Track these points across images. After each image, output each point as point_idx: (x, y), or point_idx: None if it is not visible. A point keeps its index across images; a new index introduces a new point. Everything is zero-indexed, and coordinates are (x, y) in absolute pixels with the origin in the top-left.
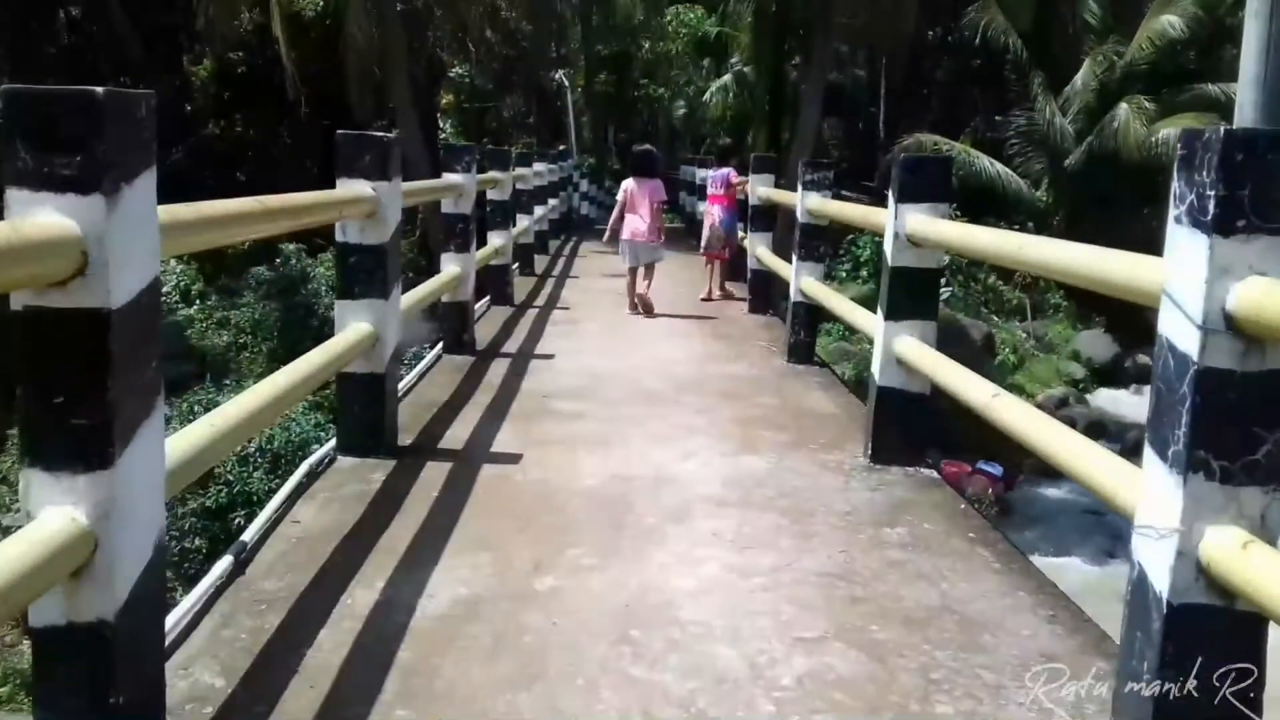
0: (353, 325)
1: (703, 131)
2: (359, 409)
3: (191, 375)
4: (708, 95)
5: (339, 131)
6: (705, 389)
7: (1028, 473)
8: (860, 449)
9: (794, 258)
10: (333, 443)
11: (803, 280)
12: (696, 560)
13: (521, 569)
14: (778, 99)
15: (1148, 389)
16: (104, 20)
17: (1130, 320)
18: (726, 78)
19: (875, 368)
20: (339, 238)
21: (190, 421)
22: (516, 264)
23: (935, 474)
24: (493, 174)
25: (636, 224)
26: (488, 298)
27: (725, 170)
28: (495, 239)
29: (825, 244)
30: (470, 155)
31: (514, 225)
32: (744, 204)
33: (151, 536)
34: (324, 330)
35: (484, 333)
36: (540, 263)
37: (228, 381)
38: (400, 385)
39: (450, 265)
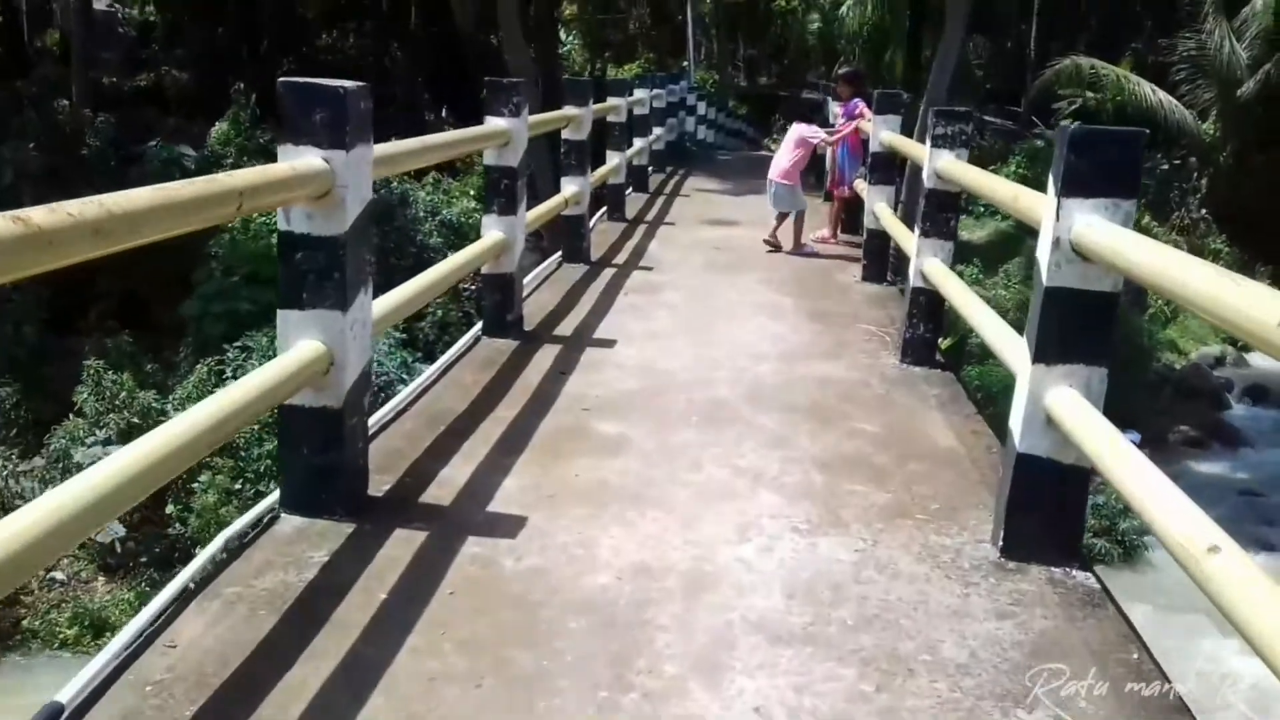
0: (299, 345)
1: (838, 48)
2: (308, 453)
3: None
4: (844, 9)
5: (280, 80)
6: (790, 401)
7: (1176, 442)
8: (988, 524)
9: (916, 231)
10: (276, 496)
11: (926, 262)
12: None
13: None
14: (920, 14)
15: None
16: None
17: None
18: None
19: (1015, 424)
20: (280, 224)
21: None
22: (603, 210)
23: (1093, 579)
24: (564, 111)
25: (774, 161)
26: (558, 255)
27: (855, 103)
28: (569, 185)
29: (956, 216)
30: (516, 94)
31: (587, 171)
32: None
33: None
34: (423, 258)
35: (540, 304)
36: (634, 204)
37: None
38: (404, 394)
39: (492, 230)
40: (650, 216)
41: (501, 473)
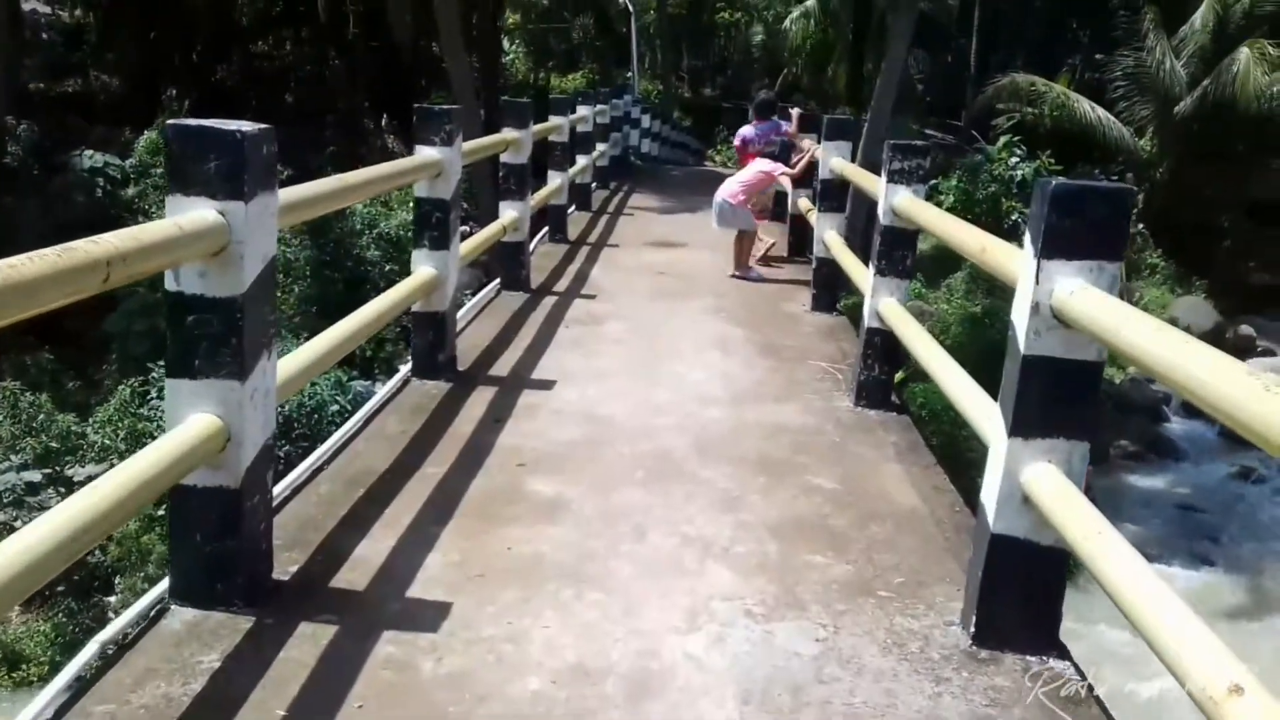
0: (191, 419)
1: (780, 61)
2: (202, 539)
3: None
4: (787, 22)
5: (168, 124)
6: (741, 453)
7: (1115, 456)
8: (956, 600)
9: (871, 268)
10: (165, 585)
11: (882, 302)
12: None
13: None
14: (863, 29)
15: (1251, 361)
16: None
17: (1234, 285)
18: (809, 2)
19: (988, 501)
20: (168, 284)
21: None
22: (544, 231)
23: (1072, 668)
24: (501, 135)
25: (726, 183)
26: (496, 283)
27: (769, 125)
28: (508, 210)
29: (913, 254)
30: (448, 122)
31: (527, 195)
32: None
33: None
34: (360, 271)
35: (476, 339)
36: (577, 223)
37: None
38: (322, 451)
39: (423, 265)
40: (593, 237)
41: (425, 546)
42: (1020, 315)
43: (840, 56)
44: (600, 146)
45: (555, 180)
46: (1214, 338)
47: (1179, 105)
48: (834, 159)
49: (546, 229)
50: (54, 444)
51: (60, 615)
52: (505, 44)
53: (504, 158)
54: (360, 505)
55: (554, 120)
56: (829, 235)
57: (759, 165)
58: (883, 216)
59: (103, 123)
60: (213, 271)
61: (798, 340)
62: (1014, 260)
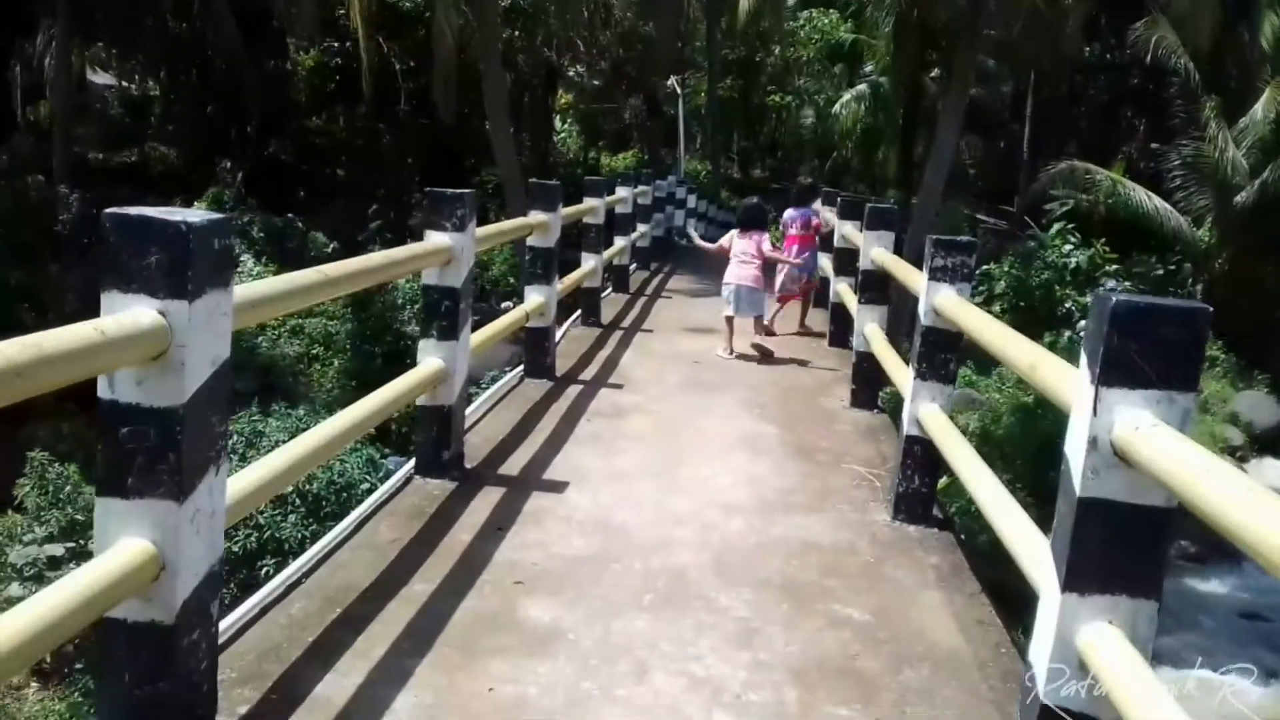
0: (120, 544)
1: (831, 144)
2: (130, 682)
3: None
4: (838, 106)
5: (106, 212)
6: (764, 574)
7: (1174, 557)
8: None
9: (911, 370)
10: None
11: (922, 408)
12: None
13: None
14: (913, 113)
15: None
16: (206, 8)
17: None
18: (860, 87)
19: (1038, 664)
20: (101, 390)
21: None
22: (577, 314)
23: None
24: (526, 219)
25: (740, 269)
26: (519, 370)
27: (806, 210)
28: (533, 295)
29: (956, 357)
30: (460, 206)
31: (554, 279)
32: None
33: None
34: (400, 346)
35: (490, 432)
36: (613, 305)
37: (276, 408)
38: (301, 562)
39: (430, 357)
40: (627, 321)
41: (396, 683)
42: (1075, 449)
43: (890, 140)
44: (641, 227)
45: (589, 263)
46: (1278, 433)
47: (1239, 195)
48: (875, 249)
49: (579, 312)
50: (79, 517)
51: (77, 694)
52: (557, 122)
53: (531, 241)
54: (333, 629)
55: (588, 202)
56: (870, 328)
57: (759, 243)
58: (924, 316)
59: (157, 193)
60: (151, 378)
61: (834, 441)
62: (1068, 383)
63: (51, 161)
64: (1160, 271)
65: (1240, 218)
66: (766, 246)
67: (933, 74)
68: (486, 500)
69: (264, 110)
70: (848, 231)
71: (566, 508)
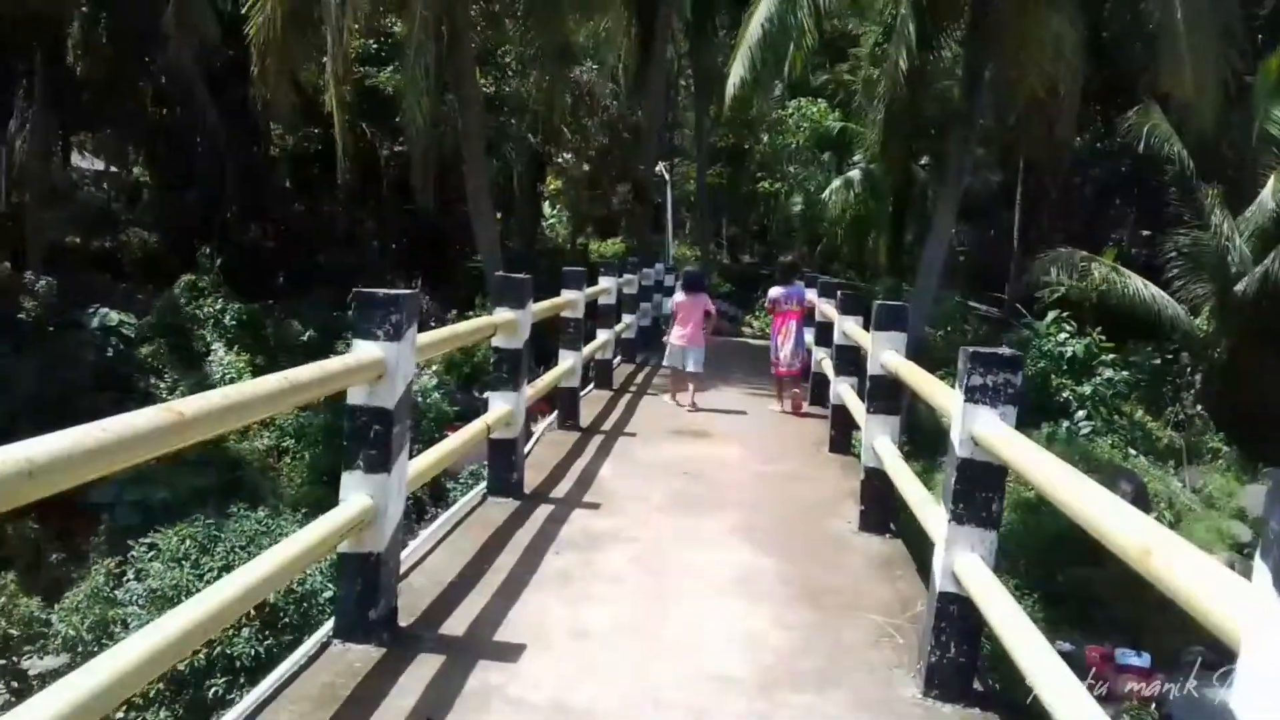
0: None
1: (820, 230)
2: None
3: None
4: (827, 193)
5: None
6: None
7: (1184, 660)
8: None
9: (944, 513)
10: None
11: (960, 559)
12: None
13: None
14: (903, 200)
15: None
16: (188, 96)
17: None
18: (850, 174)
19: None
20: None
21: None
22: (553, 416)
23: None
24: (490, 319)
25: (679, 330)
26: (481, 488)
27: (796, 288)
28: (497, 403)
29: (1001, 497)
30: (395, 311)
31: (522, 385)
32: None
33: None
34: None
35: (438, 570)
36: (594, 405)
37: (235, 509)
38: None
39: (355, 493)
40: (609, 423)
41: None
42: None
43: (880, 227)
44: (627, 318)
45: (567, 361)
46: None
47: (1240, 284)
48: (885, 353)
49: (555, 413)
50: (14, 630)
51: None
52: (546, 208)
53: (496, 341)
54: None
55: (566, 295)
56: (881, 443)
57: (705, 303)
58: (959, 446)
59: (134, 279)
60: None
61: (844, 577)
62: (1226, 602)
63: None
64: (1158, 360)
65: (1240, 307)
66: (711, 307)
67: (922, 162)
68: (419, 675)
69: (245, 196)
70: (850, 329)
71: (520, 685)
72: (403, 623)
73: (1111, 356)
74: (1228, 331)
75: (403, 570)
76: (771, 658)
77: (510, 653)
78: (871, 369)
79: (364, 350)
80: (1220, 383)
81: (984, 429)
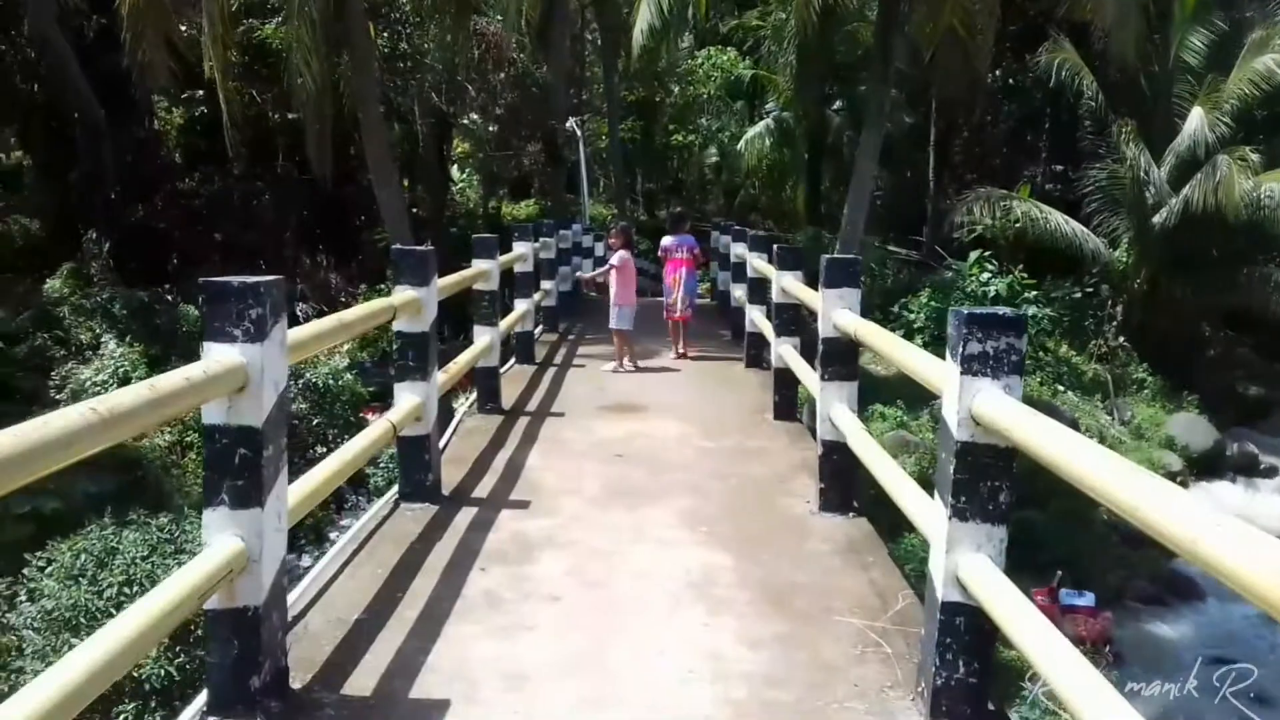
0: None
1: (737, 181)
2: None
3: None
4: (742, 143)
5: None
6: None
7: (1128, 599)
8: None
9: (944, 508)
10: None
11: (965, 561)
12: None
13: None
14: (819, 147)
15: (1257, 481)
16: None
17: (1225, 398)
18: (763, 123)
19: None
20: None
21: None
22: (470, 397)
23: None
24: (395, 296)
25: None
26: (391, 493)
27: (688, 237)
28: (405, 395)
29: (1010, 486)
30: (256, 302)
31: (430, 373)
32: None
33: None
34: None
35: (343, 606)
36: (516, 382)
37: (135, 516)
38: None
39: (220, 535)
40: (534, 403)
41: None
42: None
43: (798, 175)
44: (546, 285)
45: (483, 338)
46: (1214, 455)
47: (1158, 215)
48: (839, 312)
49: (474, 396)
50: None
51: None
52: (455, 172)
53: (398, 325)
54: None
55: (478, 265)
56: (839, 413)
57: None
58: (957, 427)
59: (16, 271)
60: None
61: (811, 571)
62: None
63: None
64: (1079, 295)
65: (1159, 238)
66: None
67: (835, 106)
68: None
69: (130, 174)
70: (789, 284)
71: None
72: (296, 684)
73: (1034, 293)
74: (1147, 263)
75: (297, 611)
76: (742, 689)
77: (431, 713)
78: (824, 331)
79: (218, 356)
80: (1141, 313)
81: (987, 406)
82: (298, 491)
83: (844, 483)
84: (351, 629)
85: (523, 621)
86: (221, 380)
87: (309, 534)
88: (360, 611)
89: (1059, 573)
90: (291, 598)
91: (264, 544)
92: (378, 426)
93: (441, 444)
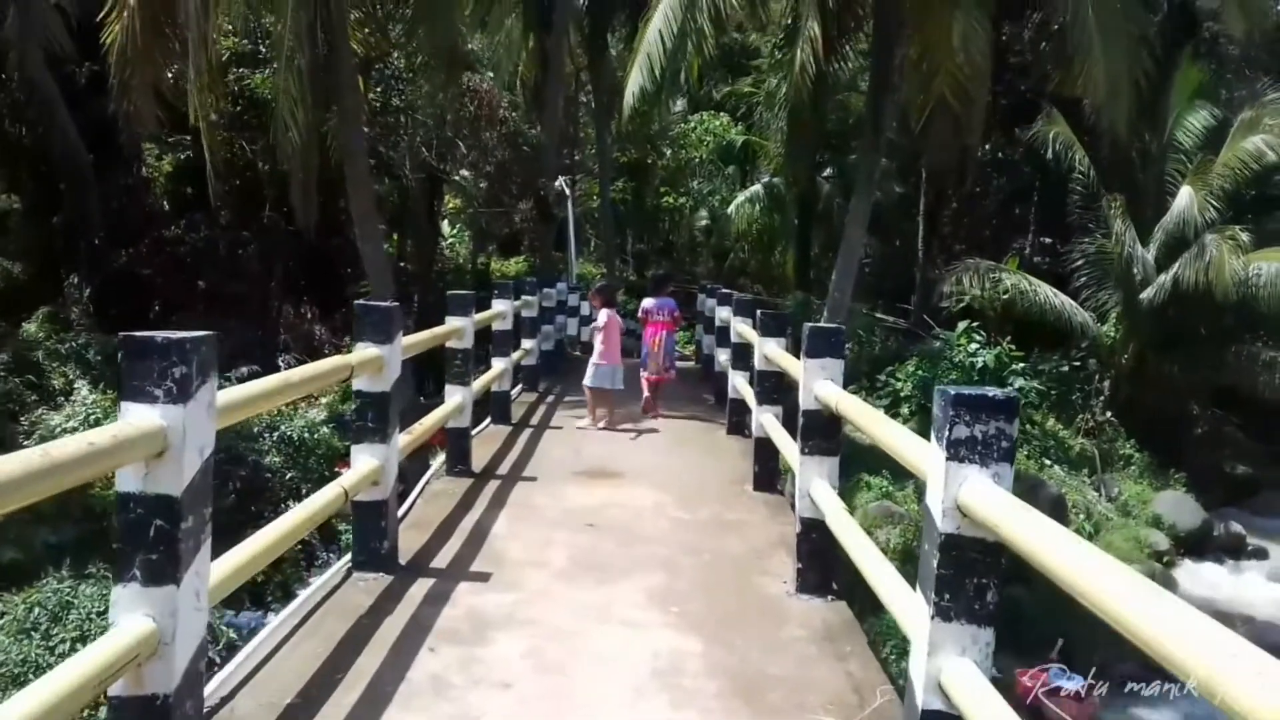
0: None
1: (727, 244)
2: None
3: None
4: (732, 207)
5: None
6: None
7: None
8: None
9: (925, 606)
10: None
11: (948, 665)
12: None
13: None
14: (809, 213)
15: (1244, 563)
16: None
17: (1212, 476)
18: (754, 188)
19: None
20: None
21: None
22: (442, 461)
23: None
24: (355, 354)
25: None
26: (343, 561)
27: (668, 300)
28: (362, 458)
29: (996, 583)
30: (181, 360)
31: (391, 435)
32: None
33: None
34: (257, 480)
35: (276, 689)
36: (489, 444)
37: (94, 570)
38: None
39: (129, 614)
40: (505, 466)
41: None
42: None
43: (787, 240)
44: (527, 343)
45: (455, 398)
46: (1201, 535)
47: (1146, 292)
48: (820, 384)
49: (443, 458)
50: None
51: None
52: (445, 227)
53: (357, 384)
54: None
55: (452, 323)
56: (819, 490)
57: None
58: (941, 518)
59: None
60: None
61: (786, 661)
62: None
63: None
64: (1066, 368)
65: (1147, 314)
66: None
67: (826, 173)
68: None
69: (115, 220)
70: (771, 352)
71: None
72: None
73: (1021, 365)
74: (1135, 338)
75: (226, 693)
76: None
77: None
78: (805, 403)
79: (134, 418)
80: (1129, 388)
81: (975, 496)
82: (224, 567)
83: (823, 563)
84: (281, 715)
85: (468, 712)
86: (135, 445)
87: (276, 591)
88: (293, 695)
89: (1060, 641)
90: (222, 676)
91: (178, 625)
92: (327, 492)
93: (404, 508)
